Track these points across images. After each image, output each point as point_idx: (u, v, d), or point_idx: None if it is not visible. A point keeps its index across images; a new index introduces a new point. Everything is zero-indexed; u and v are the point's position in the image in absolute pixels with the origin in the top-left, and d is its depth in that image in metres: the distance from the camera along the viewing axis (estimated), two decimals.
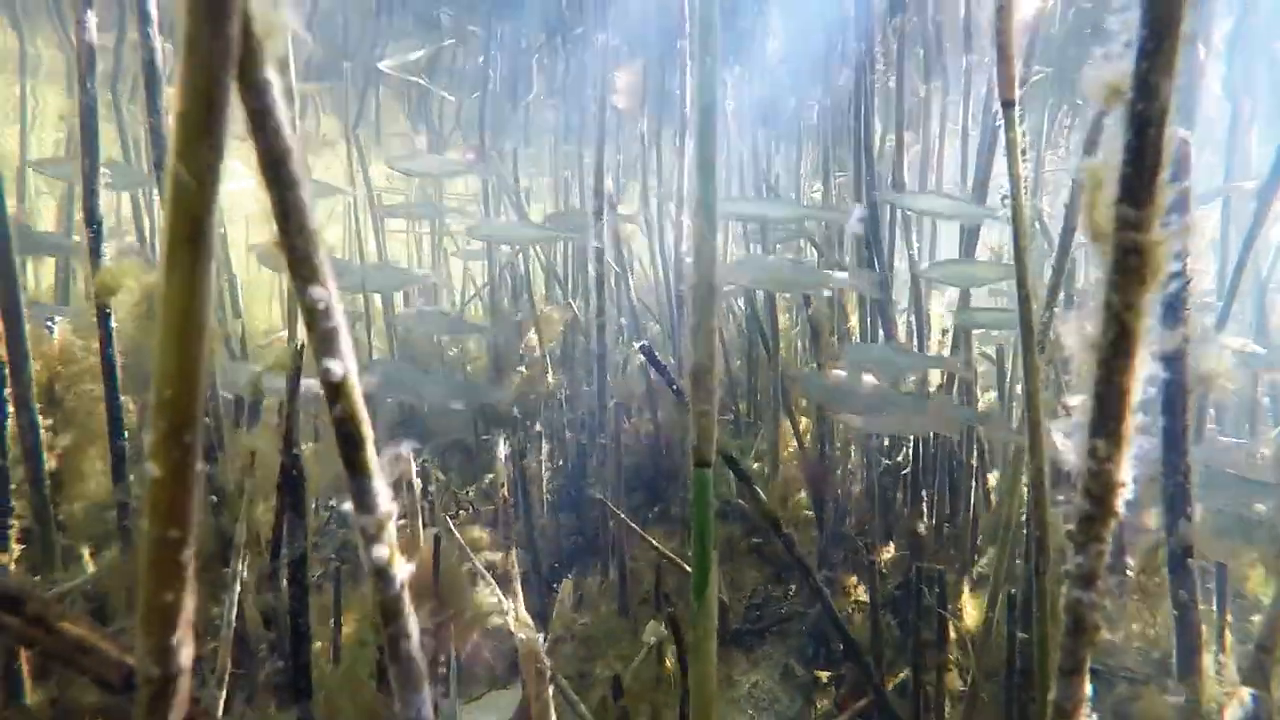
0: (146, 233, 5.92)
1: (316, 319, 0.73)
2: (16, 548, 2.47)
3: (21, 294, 2.38)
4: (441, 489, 5.08)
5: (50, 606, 1.11)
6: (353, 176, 6.92)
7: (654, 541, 2.98)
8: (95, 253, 2.55)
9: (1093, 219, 0.87)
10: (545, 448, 4.79)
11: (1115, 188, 0.85)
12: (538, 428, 4.62)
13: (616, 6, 6.90)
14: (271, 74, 0.65)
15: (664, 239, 7.39)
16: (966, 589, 4.31)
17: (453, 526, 3.86)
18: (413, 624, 0.80)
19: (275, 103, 0.66)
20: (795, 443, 5.70)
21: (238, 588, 2.24)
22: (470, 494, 5.10)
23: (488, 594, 2.23)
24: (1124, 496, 1.01)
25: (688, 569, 3.08)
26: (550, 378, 5.41)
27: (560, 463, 5.44)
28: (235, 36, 0.59)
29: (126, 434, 2.59)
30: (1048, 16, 3.49)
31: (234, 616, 1.88)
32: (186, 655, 0.66)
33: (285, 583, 2.02)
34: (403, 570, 0.89)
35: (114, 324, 2.55)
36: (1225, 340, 3.48)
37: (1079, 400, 0.98)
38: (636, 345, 2.77)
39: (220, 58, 0.59)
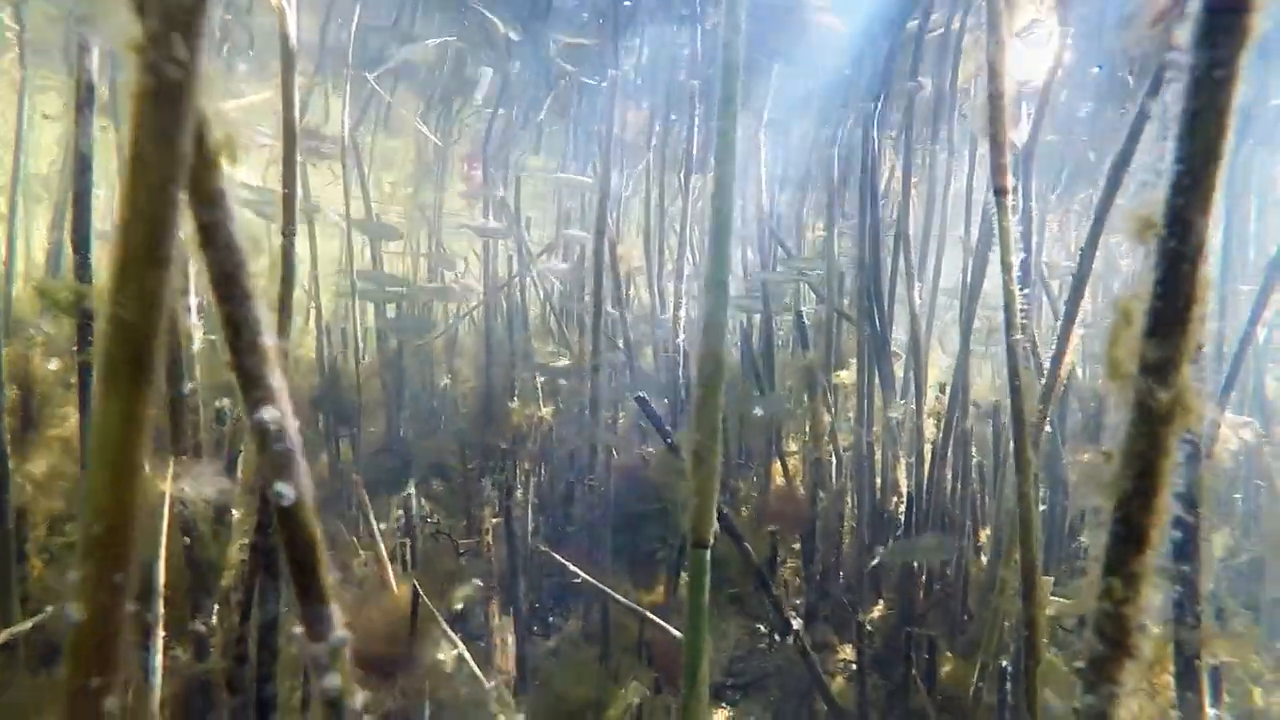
0: None
1: (269, 441, 0.66)
2: None
3: None
4: (426, 523, 4.99)
5: None
6: (348, 185, 6.75)
7: (641, 609, 2.90)
8: (83, 279, 2.49)
9: (1114, 355, 0.81)
10: (533, 484, 4.70)
11: (1143, 322, 0.79)
12: (526, 464, 4.54)
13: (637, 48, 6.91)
14: (225, 183, 0.59)
15: (663, 275, 7.33)
16: (955, 654, 4.22)
17: None
18: None
19: (229, 214, 0.59)
20: (784, 486, 5.63)
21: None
22: (452, 530, 5.01)
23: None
24: (1144, 639, 0.95)
25: (668, 629, 3.00)
26: (543, 411, 5.34)
27: (548, 499, 5.35)
28: (187, 151, 0.53)
29: None
30: (1056, 84, 3.47)
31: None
32: None
33: (254, 647, 1.93)
34: (357, 699, 0.82)
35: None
36: (1228, 418, 3.43)
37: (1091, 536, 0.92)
38: (632, 396, 2.70)
39: (170, 173, 0.53)
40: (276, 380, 0.66)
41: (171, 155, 0.51)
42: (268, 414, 0.65)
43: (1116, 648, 0.95)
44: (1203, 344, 1.77)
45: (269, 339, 0.65)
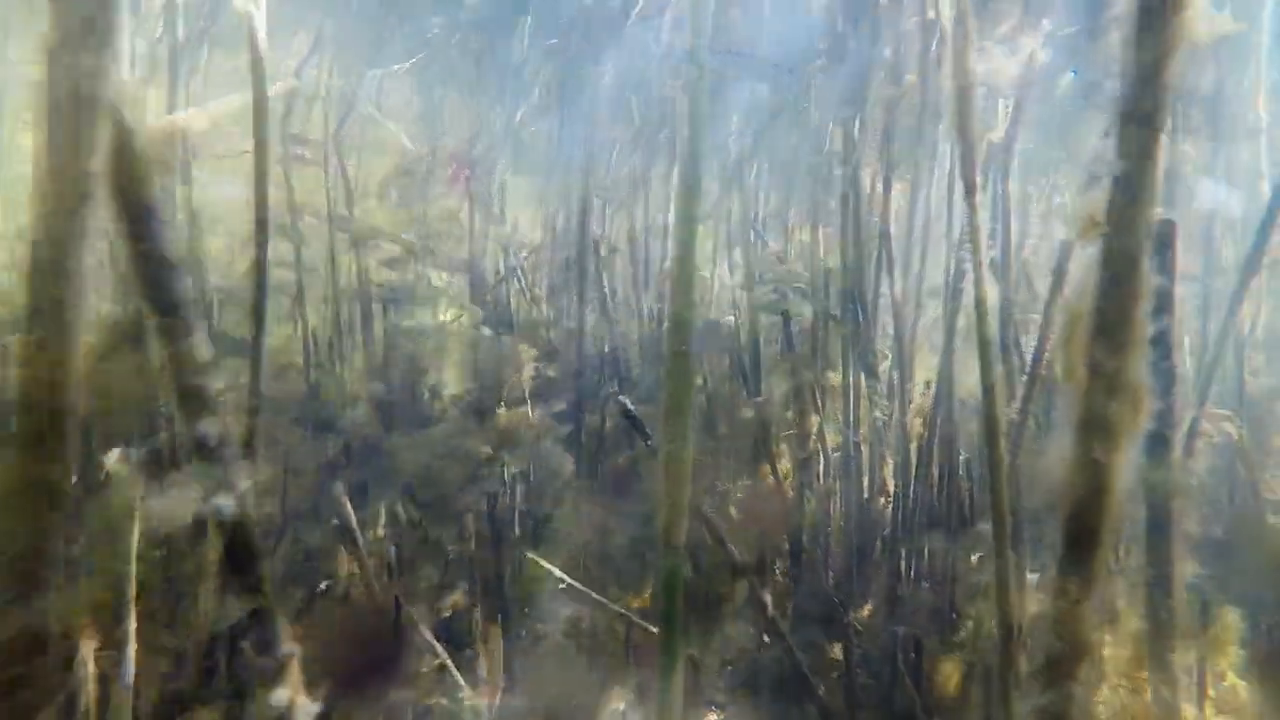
0: None
1: (206, 456, 0.66)
2: None
3: None
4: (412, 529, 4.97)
5: None
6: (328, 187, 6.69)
7: (627, 613, 2.89)
8: None
9: (1068, 354, 0.81)
10: (520, 489, 4.70)
11: (1091, 323, 0.79)
12: (513, 469, 4.53)
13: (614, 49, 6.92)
14: (155, 192, 0.58)
15: (648, 269, 7.34)
16: (947, 654, 4.22)
17: None
18: None
19: (159, 226, 0.59)
20: (772, 486, 5.62)
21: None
22: (439, 536, 4.99)
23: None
24: (1098, 635, 0.95)
25: (652, 630, 3.00)
26: (531, 414, 5.32)
27: (535, 504, 5.33)
28: (99, 163, 0.52)
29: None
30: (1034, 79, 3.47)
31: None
32: None
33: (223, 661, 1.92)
34: (306, 713, 0.81)
35: None
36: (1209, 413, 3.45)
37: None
38: (615, 397, 2.70)
39: (81, 188, 0.52)
40: (213, 391, 0.65)
41: (82, 168, 0.51)
42: (207, 426, 0.65)
43: (1072, 647, 0.95)
44: (1171, 345, 1.78)
45: (205, 350, 0.64)
